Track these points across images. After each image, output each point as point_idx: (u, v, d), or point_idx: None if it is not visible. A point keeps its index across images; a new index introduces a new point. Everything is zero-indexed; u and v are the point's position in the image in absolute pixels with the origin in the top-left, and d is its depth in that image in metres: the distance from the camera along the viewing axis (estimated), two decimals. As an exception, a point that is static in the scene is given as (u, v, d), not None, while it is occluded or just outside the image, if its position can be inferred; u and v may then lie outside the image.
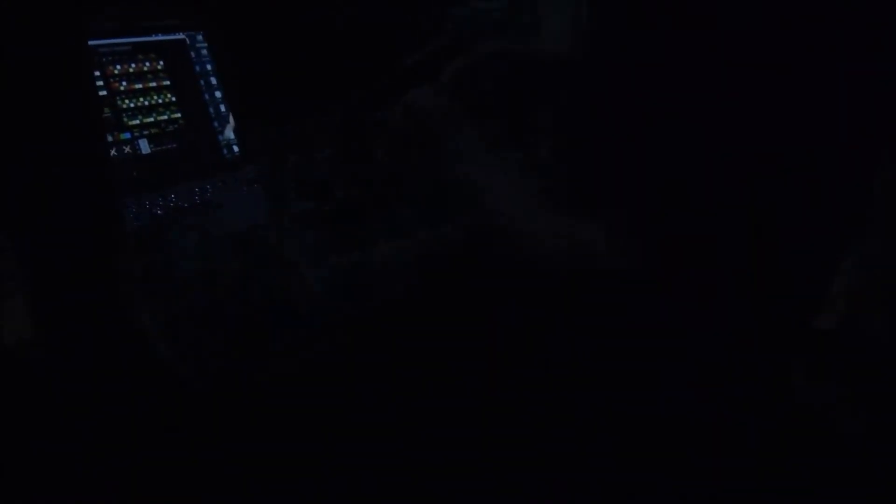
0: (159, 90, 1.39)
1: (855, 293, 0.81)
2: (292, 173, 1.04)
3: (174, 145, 1.39)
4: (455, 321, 1.00)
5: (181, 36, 1.45)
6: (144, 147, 1.35)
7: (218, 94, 1.49)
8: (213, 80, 1.49)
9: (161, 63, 1.40)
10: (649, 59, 0.74)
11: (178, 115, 1.41)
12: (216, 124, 1.48)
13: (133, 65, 1.35)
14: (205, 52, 1.48)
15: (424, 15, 1.42)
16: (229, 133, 1.50)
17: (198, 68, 1.47)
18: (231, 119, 1.51)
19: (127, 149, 1.32)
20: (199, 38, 1.48)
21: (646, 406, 0.82)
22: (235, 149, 1.49)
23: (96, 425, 0.83)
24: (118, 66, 1.33)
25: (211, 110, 1.47)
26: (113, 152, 1.28)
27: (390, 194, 1.09)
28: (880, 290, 0.84)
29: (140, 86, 1.36)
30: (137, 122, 1.34)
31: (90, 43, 1.29)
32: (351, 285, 0.95)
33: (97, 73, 1.30)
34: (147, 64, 1.38)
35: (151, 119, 1.37)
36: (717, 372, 0.78)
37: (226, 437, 0.86)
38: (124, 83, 1.33)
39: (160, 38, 1.41)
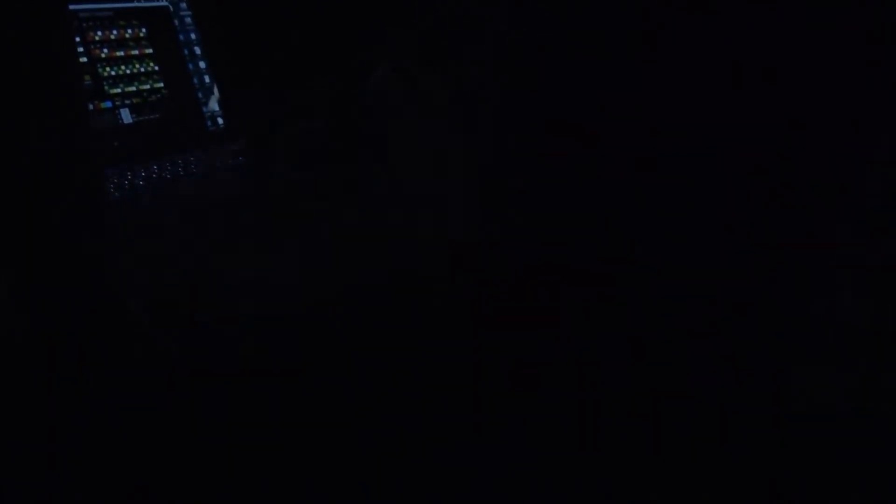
0: (142, 58, 1.35)
1: (837, 281, 0.82)
2: (279, 145, 1.02)
3: (157, 116, 1.36)
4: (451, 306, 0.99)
5: (164, 3, 1.40)
6: (126, 117, 1.32)
7: (202, 64, 1.45)
8: (198, 50, 1.45)
9: (144, 30, 1.36)
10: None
11: (161, 84, 1.38)
12: (200, 95, 1.44)
13: (115, 31, 1.31)
14: (189, 20, 1.44)
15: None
16: (214, 104, 1.46)
17: (182, 37, 1.43)
18: (216, 90, 1.47)
19: (108, 118, 1.29)
20: (183, 5, 1.44)
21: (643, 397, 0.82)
22: (220, 121, 1.46)
23: (80, 400, 0.81)
24: (99, 33, 1.29)
25: (195, 81, 1.44)
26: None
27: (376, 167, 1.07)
28: (861, 276, 0.84)
29: (122, 53, 1.32)
30: (119, 90, 1.31)
31: (70, 7, 1.24)
32: (337, 260, 0.93)
33: (77, 39, 1.25)
34: (129, 31, 1.33)
35: (133, 88, 1.33)
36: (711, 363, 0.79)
37: (209, 413, 0.85)
38: (105, 50, 1.29)
39: (143, 4, 1.37)
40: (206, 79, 1.46)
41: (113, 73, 1.30)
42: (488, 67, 0.87)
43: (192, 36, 1.44)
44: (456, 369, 0.95)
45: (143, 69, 1.35)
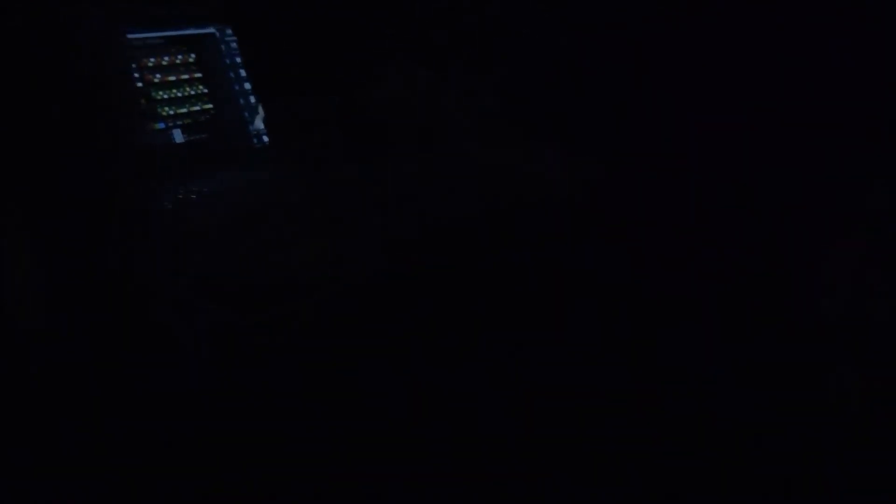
0: (191, 82, 1.44)
1: (858, 279, 0.80)
2: (313, 151, 1.07)
3: (206, 135, 1.44)
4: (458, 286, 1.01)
5: (211, 30, 1.50)
6: (178, 136, 1.40)
7: (247, 85, 1.53)
8: (243, 73, 1.53)
9: (192, 56, 1.45)
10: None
11: (210, 105, 1.46)
12: (246, 114, 1.52)
13: (166, 57, 1.41)
14: (234, 45, 1.53)
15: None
16: (259, 123, 1.54)
17: (228, 61, 1.52)
18: (260, 110, 1.55)
19: (161, 138, 1.38)
20: (229, 32, 1.53)
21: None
22: (265, 138, 1.54)
23: (109, 395, 0.86)
24: (152, 59, 1.38)
25: (241, 101, 1.52)
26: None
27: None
28: (883, 274, 0.83)
29: (173, 78, 1.41)
30: (171, 112, 1.40)
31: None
32: (365, 253, 0.97)
33: (132, 65, 1.35)
34: (179, 57, 1.43)
35: (184, 110, 1.42)
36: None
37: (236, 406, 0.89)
38: (158, 75, 1.39)
39: (191, 31, 1.46)
40: (252, 99, 1.54)
41: (165, 96, 1.39)
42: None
43: (238, 60, 1.53)
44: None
45: (192, 92, 1.44)
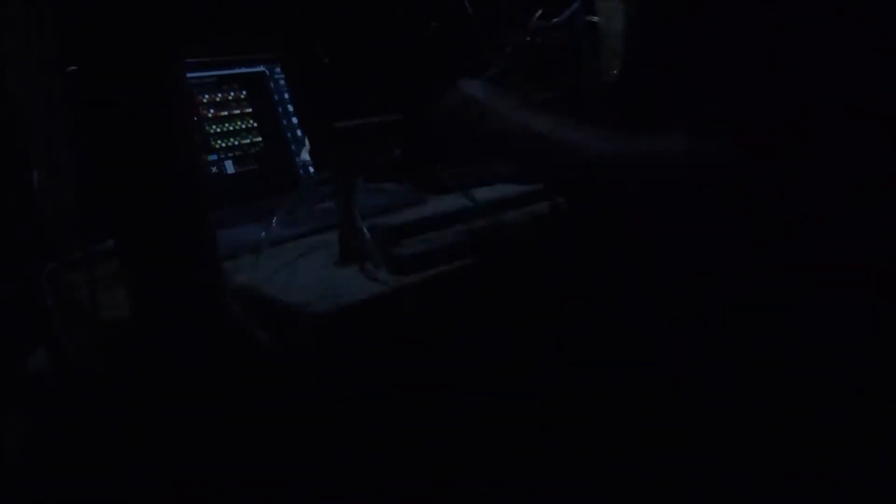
0: (242, 117, 1.52)
1: None
2: (362, 176, 1.12)
3: (255, 166, 1.52)
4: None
5: (261, 68, 1.59)
6: (229, 168, 1.48)
7: (294, 119, 1.61)
8: (290, 108, 1.61)
9: (243, 93, 1.54)
10: None
11: (259, 139, 1.54)
12: (293, 147, 1.60)
13: (219, 94, 1.49)
14: (282, 82, 1.61)
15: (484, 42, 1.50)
16: (305, 155, 1.61)
17: (276, 97, 1.60)
18: (307, 143, 1.62)
19: (214, 169, 1.45)
20: (278, 70, 1.61)
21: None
22: (311, 169, 1.61)
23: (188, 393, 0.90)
24: (206, 96, 1.47)
25: (288, 135, 1.60)
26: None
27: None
28: None
29: (225, 113, 1.49)
30: (223, 145, 1.47)
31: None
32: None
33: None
34: (231, 93, 1.51)
35: (235, 143, 1.50)
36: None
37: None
38: (211, 110, 1.47)
39: (242, 70, 1.55)
40: (299, 133, 1.61)
41: (217, 130, 1.47)
42: None
43: (286, 96, 1.61)
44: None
45: (243, 126, 1.52)
